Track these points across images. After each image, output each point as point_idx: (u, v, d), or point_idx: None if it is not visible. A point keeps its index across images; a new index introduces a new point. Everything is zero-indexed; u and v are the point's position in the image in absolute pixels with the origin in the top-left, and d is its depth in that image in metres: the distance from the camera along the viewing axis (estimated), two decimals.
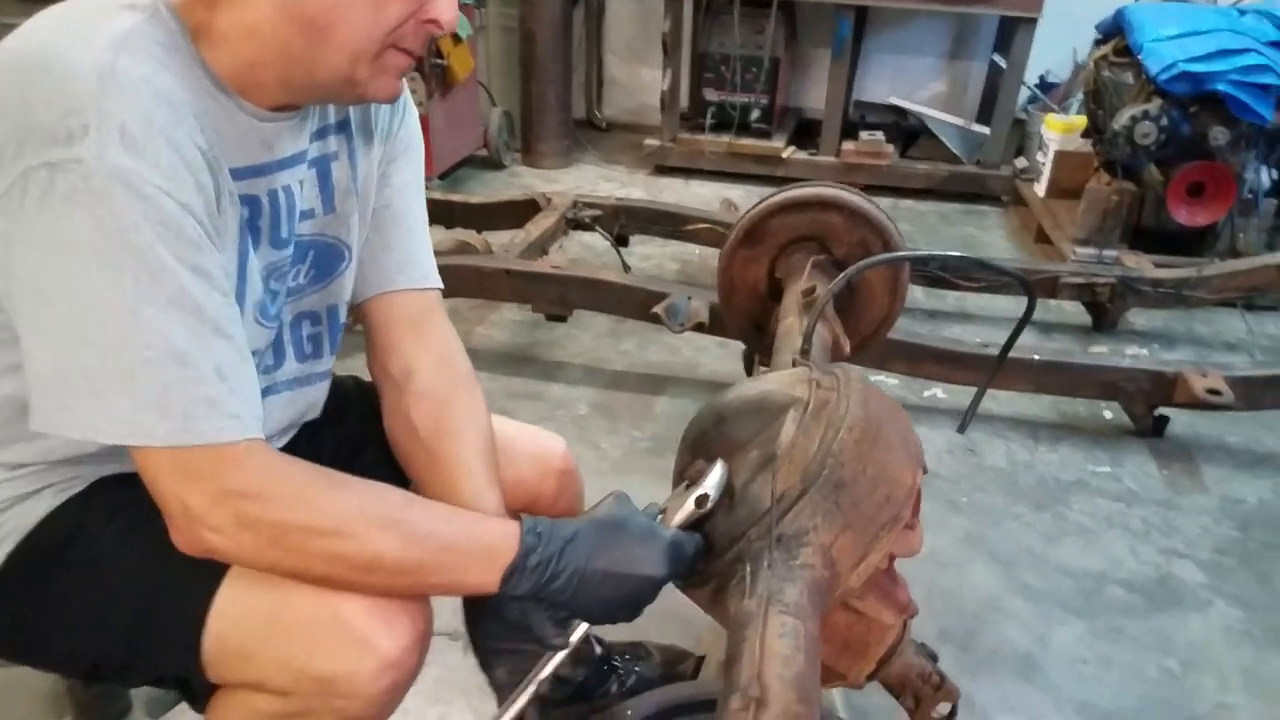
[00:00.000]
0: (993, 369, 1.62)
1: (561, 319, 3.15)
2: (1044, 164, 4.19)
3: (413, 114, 1.25)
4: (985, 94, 4.91)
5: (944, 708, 1.22)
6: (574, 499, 1.44)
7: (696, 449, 1.15)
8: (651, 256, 3.86)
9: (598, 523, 1.02)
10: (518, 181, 4.76)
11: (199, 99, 0.92)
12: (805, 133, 4.90)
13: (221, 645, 1.00)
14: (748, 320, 2.11)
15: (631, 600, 1.02)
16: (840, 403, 1.02)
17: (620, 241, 3.53)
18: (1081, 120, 4.03)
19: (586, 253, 3.86)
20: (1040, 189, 4.23)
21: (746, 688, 0.83)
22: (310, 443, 1.27)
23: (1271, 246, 3.62)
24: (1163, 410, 2.77)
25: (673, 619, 1.82)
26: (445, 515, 1.03)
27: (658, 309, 2.77)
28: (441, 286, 1.27)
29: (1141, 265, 3.32)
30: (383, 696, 1.00)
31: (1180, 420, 2.81)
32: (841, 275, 1.42)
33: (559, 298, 3.00)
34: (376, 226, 1.21)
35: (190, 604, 1.01)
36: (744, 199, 4.17)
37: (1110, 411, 2.92)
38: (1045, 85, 4.69)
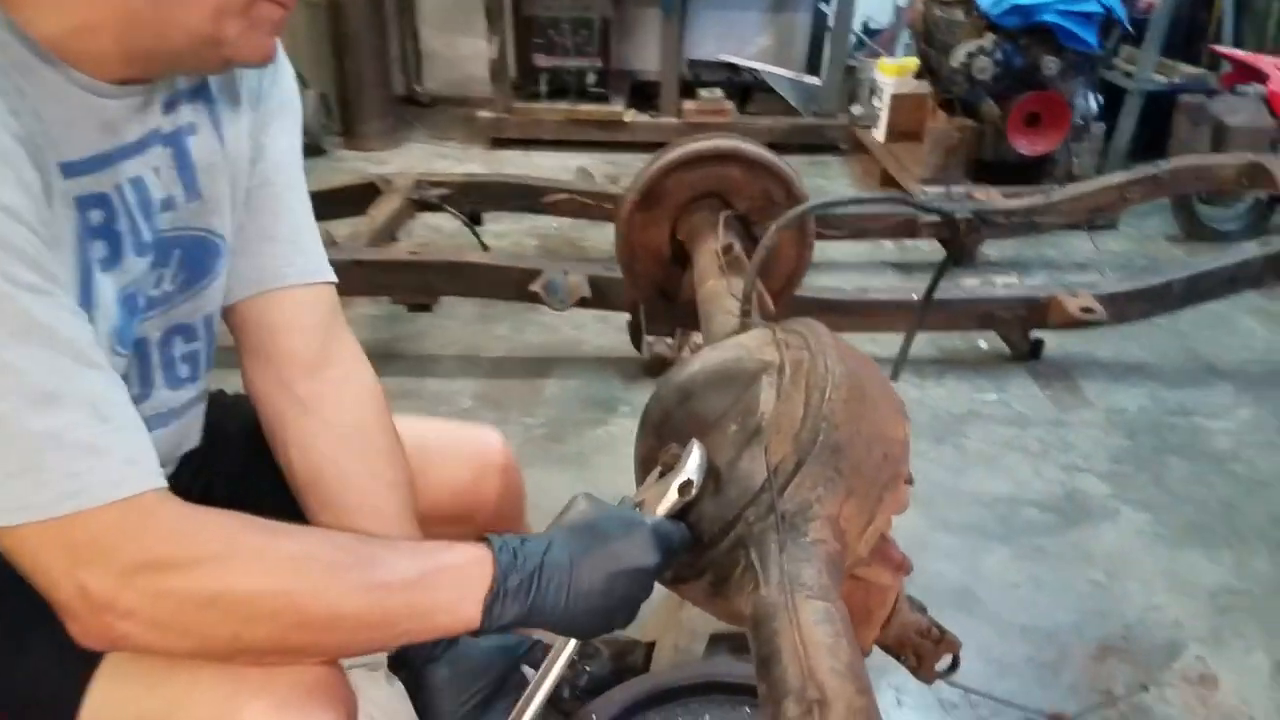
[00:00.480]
0: (919, 312, 1.56)
1: (425, 308, 2.93)
2: (880, 109, 4.26)
3: (288, 70, 1.03)
4: (811, 44, 4.95)
5: (945, 660, 1.16)
6: (518, 499, 1.32)
7: (662, 432, 1.03)
8: (507, 234, 3.67)
9: (570, 527, 0.89)
10: (343, 166, 4.43)
11: (5, 73, 0.71)
12: (641, 95, 4.80)
13: None
14: (653, 288, 1.98)
15: (627, 601, 0.88)
16: (817, 361, 0.93)
17: (473, 219, 3.32)
18: (913, 62, 4.12)
19: (434, 235, 3.61)
20: (879, 134, 4.29)
21: (802, 690, 0.73)
22: (195, 478, 1.06)
23: (1100, 169, 3.81)
24: (1037, 334, 2.84)
25: None
26: (405, 551, 0.86)
27: (535, 287, 2.60)
28: (336, 280, 1.06)
29: (991, 197, 3.41)
30: None
31: (1050, 341, 2.90)
32: (779, 221, 1.30)
33: (422, 286, 2.78)
34: (254, 210, 1.00)
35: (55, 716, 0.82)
36: (593, 166, 4.04)
37: (985, 341, 2.99)
38: (869, 31, 4.78)
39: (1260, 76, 3.46)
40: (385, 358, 2.82)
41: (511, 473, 1.28)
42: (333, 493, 1.00)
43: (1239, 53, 3.65)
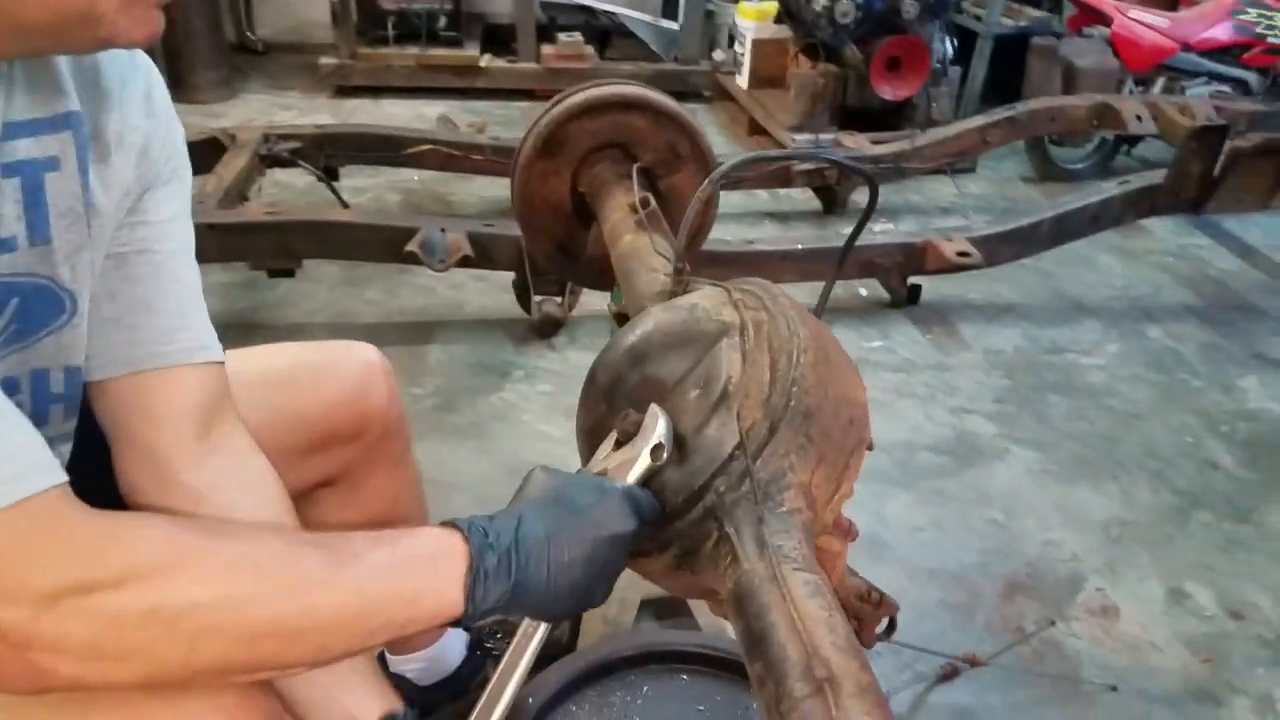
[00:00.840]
0: (837, 262, 1.51)
1: (288, 273, 2.70)
2: (743, 55, 4.21)
3: (179, 129, 0.89)
4: None
5: (883, 623, 1.16)
6: (403, 410, 1.28)
7: (612, 399, 0.98)
8: (365, 189, 3.43)
9: (538, 500, 0.83)
10: None
11: None
12: (495, 39, 4.58)
13: None
14: (552, 244, 1.87)
15: (606, 572, 0.82)
16: (779, 322, 0.91)
17: (329, 174, 3.08)
18: (772, 7, 4.07)
19: (284, 193, 3.35)
20: (742, 81, 4.25)
21: (807, 668, 0.70)
22: None
23: (957, 114, 3.90)
24: (913, 279, 2.88)
25: None
26: (366, 541, 0.76)
27: (412, 247, 2.43)
28: (224, 359, 0.91)
29: (860, 144, 3.43)
30: None
31: (925, 286, 2.94)
32: (714, 173, 1.22)
33: (283, 249, 2.56)
34: (130, 278, 0.85)
35: None
36: (453, 115, 3.84)
37: (865, 289, 3.01)
38: None
39: (1104, 19, 3.60)
40: (246, 328, 2.59)
41: (393, 381, 1.23)
42: None
43: None
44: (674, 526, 0.86)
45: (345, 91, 4.39)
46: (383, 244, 2.49)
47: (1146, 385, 2.61)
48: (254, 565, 0.69)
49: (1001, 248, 2.81)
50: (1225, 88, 3.58)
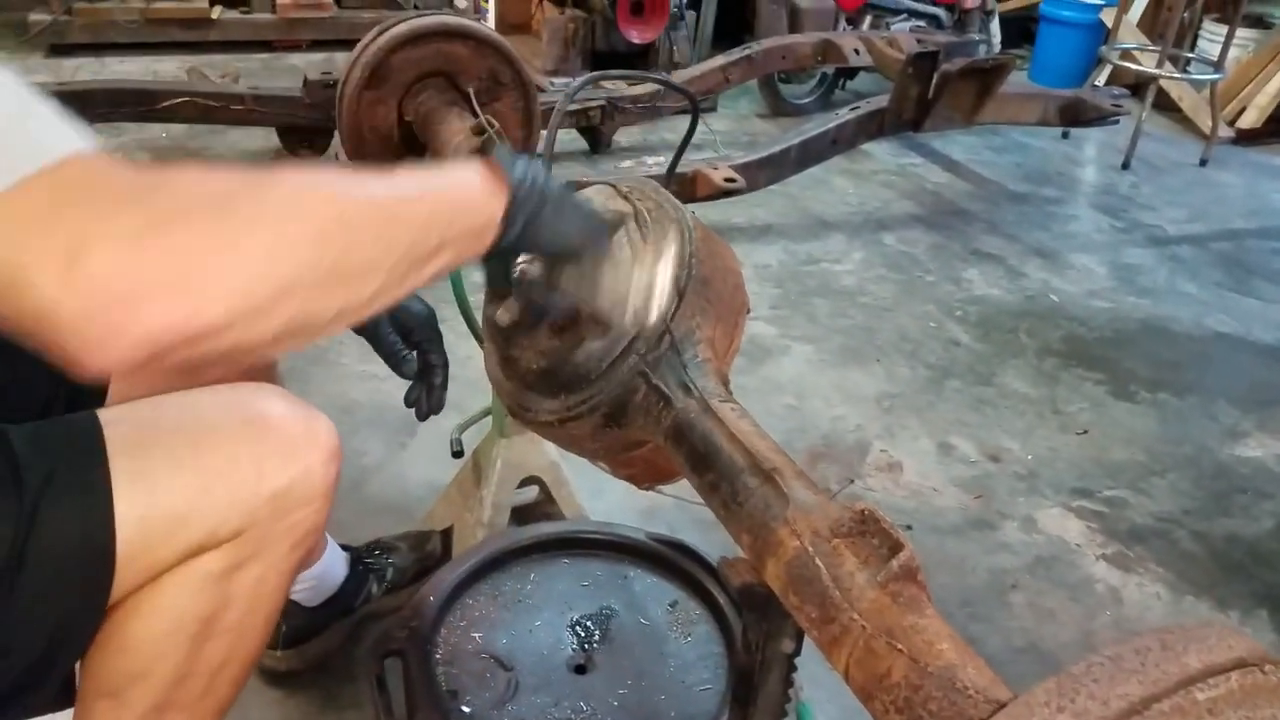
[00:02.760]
0: (665, 184, 1.69)
1: None
2: (486, 1, 4.26)
3: None
4: None
5: None
6: None
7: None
8: (110, 149, 3.15)
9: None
10: None
11: None
12: None
13: (145, 535, 0.85)
14: None
15: (602, 229, 0.95)
16: (667, 209, 1.04)
17: None
18: None
19: None
20: (489, 26, 4.30)
21: (755, 465, 0.84)
22: None
23: (693, 55, 4.17)
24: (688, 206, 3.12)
25: (388, 512, 1.82)
26: (387, 172, 0.78)
27: None
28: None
29: (618, 85, 3.61)
30: (330, 491, 0.95)
31: (698, 214, 3.18)
32: (571, 88, 1.36)
33: None
34: None
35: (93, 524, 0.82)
36: (180, 70, 3.62)
37: None
38: None
39: None
40: None
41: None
42: None
43: None
44: (599, 389, 0.97)
45: (61, 50, 4.00)
46: None
47: (890, 283, 3.01)
48: (302, 175, 0.70)
49: (759, 173, 3.10)
50: (921, 23, 4.11)
